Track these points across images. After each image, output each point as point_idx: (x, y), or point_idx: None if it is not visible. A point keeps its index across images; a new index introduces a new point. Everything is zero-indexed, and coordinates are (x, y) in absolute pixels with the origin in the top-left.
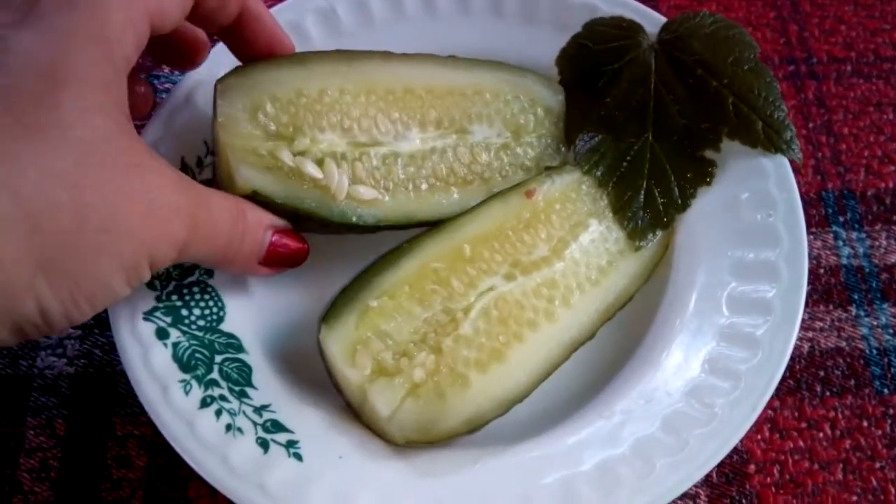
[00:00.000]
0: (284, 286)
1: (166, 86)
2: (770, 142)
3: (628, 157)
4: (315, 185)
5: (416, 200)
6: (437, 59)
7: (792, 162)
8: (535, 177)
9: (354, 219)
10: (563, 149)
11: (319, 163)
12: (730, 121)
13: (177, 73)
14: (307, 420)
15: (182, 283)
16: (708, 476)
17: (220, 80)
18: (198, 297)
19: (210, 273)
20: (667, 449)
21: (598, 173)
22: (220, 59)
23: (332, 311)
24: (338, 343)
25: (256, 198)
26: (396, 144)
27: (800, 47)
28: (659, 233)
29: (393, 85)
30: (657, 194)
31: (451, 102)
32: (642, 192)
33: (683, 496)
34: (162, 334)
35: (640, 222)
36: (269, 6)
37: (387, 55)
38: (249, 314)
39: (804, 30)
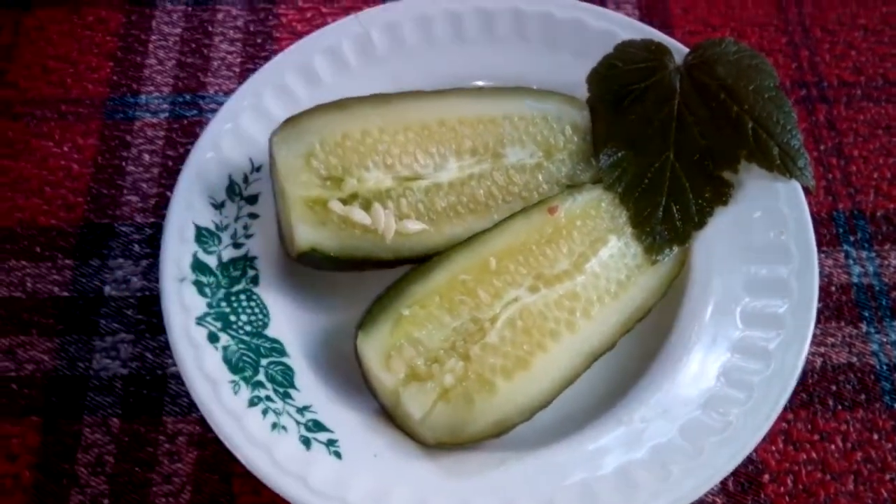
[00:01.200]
0: (323, 294)
1: (212, 106)
2: (785, 167)
3: (649, 174)
4: (365, 231)
5: (459, 225)
6: (465, 91)
7: (804, 187)
8: (557, 194)
9: (406, 253)
10: (593, 162)
11: (367, 205)
12: (748, 144)
13: (221, 94)
14: (345, 421)
15: (230, 291)
16: (724, 484)
17: (274, 133)
18: (244, 304)
19: (255, 281)
20: (684, 455)
21: (620, 188)
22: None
23: (367, 319)
24: (373, 349)
25: (314, 253)
26: (436, 175)
27: (811, 72)
28: (675, 248)
29: (427, 120)
30: (675, 211)
31: (483, 130)
32: (661, 208)
33: (700, 502)
34: (213, 338)
35: (657, 237)
36: (309, 31)
37: (418, 93)
38: (292, 320)
39: (815, 55)
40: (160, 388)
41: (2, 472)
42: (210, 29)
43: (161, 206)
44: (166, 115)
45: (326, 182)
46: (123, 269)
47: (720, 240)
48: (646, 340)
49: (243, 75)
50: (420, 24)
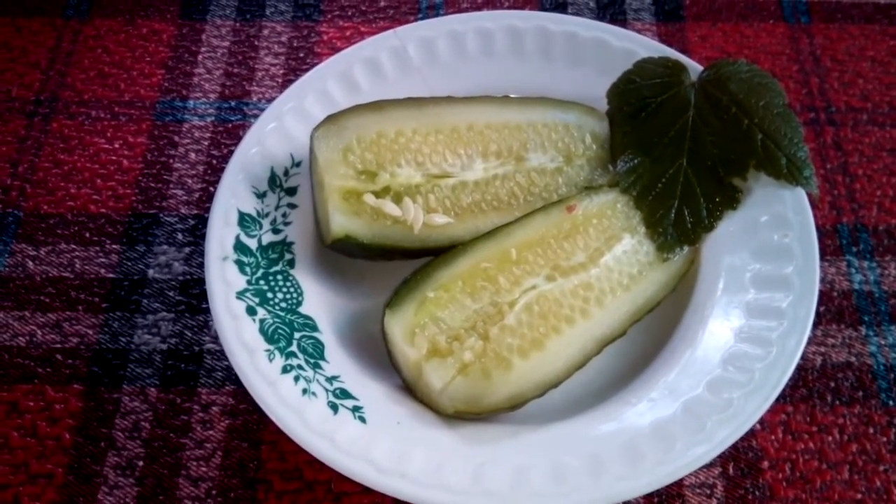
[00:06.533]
0: (353, 280)
1: (255, 112)
2: (792, 176)
3: (663, 179)
4: (395, 222)
5: (483, 221)
6: (494, 100)
7: (809, 195)
8: (575, 195)
9: (431, 244)
10: (610, 168)
11: (398, 198)
12: (757, 155)
13: (264, 101)
14: (370, 391)
15: (269, 272)
16: (724, 469)
17: (315, 129)
18: (281, 283)
19: (292, 264)
20: (687, 430)
21: (635, 191)
22: (306, 86)
23: (394, 300)
24: (399, 326)
25: (348, 240)
26: (463, 175)
27: (820, 97)
28: (686, 248)
29: (457, 124)
30: (687, 214)
31: (508, 135)
32: (673, 210)
33: (702, 486)
34: (251, 311)
35: (669, 237)
36: (349, 44)
37: (450, 99)
38: (324, 301)
39: (825, 82)
40: (197, 362)
41: (44, 433)
42: (256, 43)
43: (204, 200)
44: (212, 118)
45: (361, 175)
46: (167, 255)
47: (729, 241)
48: (655, 330)
49: (285, 85)
50: (453, 40)
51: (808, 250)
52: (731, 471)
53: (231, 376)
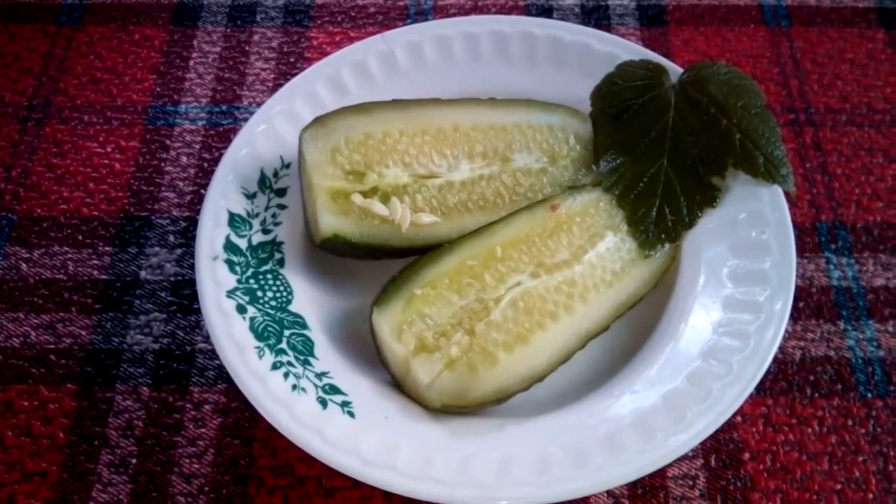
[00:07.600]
0: (342, 279)
1: (245, 116)
2: (769, 174)
3: (645, 179)
4: (383, 221)
5: (469, 220)
6: (480, 101)
7: (787, 193)
8: (559, 194)
9: (418, 242)
10: (594, 168)
11: (385, 198)
12: (735, 154)
13: (255, 105)
14: (359, 387)
15: (258, 271)
16: (707, 461)
17: (304, 130)
18: (271, 282)
19: (281, 264)
20: (667, 420)
21: (618, 190)
22: (295, 89)
23: (382, 297)
24: (387, 323)
25: (336, 239)
26: (450, 175)
27: (800, 99)
28: (667, 245)
29: (443, 125)
30: (668, 212)
31: (493, 136)
32: (654, 209)
33: (684, 477)
34: (241, 309)
35: (650, 235)
36: (338, 49)
37: (436, 101)
38: (313, 299)
39: (804, 84)
40: (189, 361)
41: (38, 432)
42: (247, 48)
43: (196, 203)
44: (203, 122)
45: (349, 176)
46: (159, 257)
47: (708, 238)
48: (637, 324)
49: (276, 89)
50: (440, 44)
51: (785, 246)
52: (712, 462)
53: (223, 375)
